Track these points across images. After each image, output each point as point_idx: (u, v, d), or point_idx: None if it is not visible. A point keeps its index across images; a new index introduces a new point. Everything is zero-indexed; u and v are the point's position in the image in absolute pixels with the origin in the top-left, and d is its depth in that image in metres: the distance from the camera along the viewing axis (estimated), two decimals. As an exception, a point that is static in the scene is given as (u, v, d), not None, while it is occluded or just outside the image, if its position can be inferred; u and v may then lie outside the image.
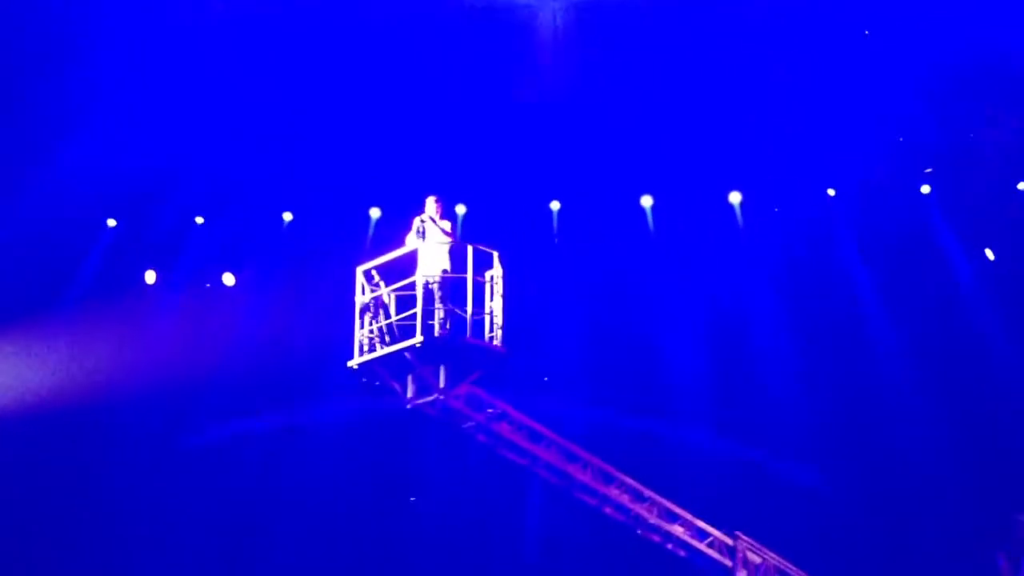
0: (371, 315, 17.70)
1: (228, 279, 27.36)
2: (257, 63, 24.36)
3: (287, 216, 26.97)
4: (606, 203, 25.78)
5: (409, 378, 17.72)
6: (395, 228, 26.09)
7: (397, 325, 17.49)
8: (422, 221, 17.94)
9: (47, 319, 26.05)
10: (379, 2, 23.35)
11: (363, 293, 17.79)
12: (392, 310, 17.62)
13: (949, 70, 23.47)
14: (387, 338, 17.57)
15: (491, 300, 17.47)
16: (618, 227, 25.88)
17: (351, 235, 26.73)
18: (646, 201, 25.98)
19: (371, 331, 17.67)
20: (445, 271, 17.62)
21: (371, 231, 26.81)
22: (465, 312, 17.19)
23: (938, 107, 23.95)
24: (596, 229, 25.91)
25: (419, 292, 17.36)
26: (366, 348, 17.62)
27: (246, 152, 25.64)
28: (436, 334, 17.18)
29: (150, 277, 27.20)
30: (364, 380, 17.87)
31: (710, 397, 25.62)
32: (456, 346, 17.27)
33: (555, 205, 26.36)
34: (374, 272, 17.87)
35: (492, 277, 17.59)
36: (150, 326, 26.88)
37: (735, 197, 25.64)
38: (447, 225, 18.05)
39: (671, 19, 23.68)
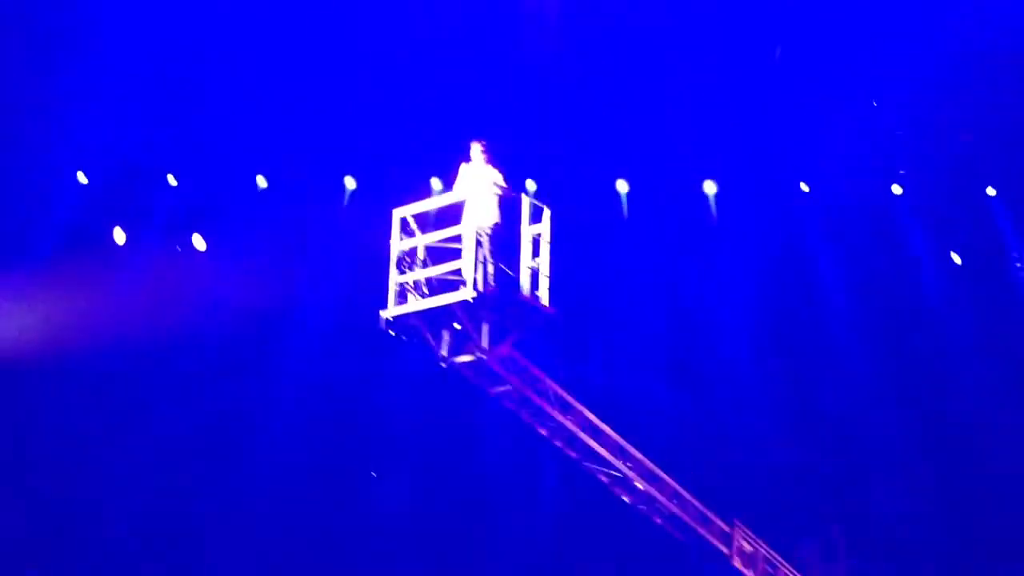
0: (407, 264, 16.59)
1: (198, 242, 27.27)
2: (235, 23, 24.20)
3: (261, 181, 26.86)
4: (583, 188, 25.88)
5: (445, 334, 16.59)
6: (369, 198, 26.71)
7: (435, 278, 16.45)
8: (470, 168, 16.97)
9: (14, 273, 25.83)
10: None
11: (399, 240, 16.66)
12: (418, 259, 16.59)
13: (926, 73, 23.88)
14: (425, 290, 16.48)
15: (537, 257, 16.49)
16: (594, 212, 25.99)
17: (325, 203, 26.80)
18: (622, 186, 26.23)
19: (407, 281, 16.54)
20: (496, 223, 16.54)
21: (346, 200, 26.80)
22: (512, 268, 16.31)
23: (914, 109, 24.35)
24: (572, 213, 25.94)
25: (470, 243, 16.19)
26: (394, 300, 16.52)
27: (224, 114, 25.50)
28: (487, 288, 16.08)
29: (119, 236, 27.03)
30: (393, 333, 16.65)
31: (671, 373, 25.86)
32: (508, 303, 16.27)
33: (531, 185, 26.47)
34: (410, 219, 16.84)
35: (540, 233, 16.62)
36: (118, 285, 26.74)
37: (710, 187, 25.91)
38: (499, 175, 16.96)
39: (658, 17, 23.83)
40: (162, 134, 25.92)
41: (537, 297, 16.42)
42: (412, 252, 16.67)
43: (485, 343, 16.33)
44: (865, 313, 25.58)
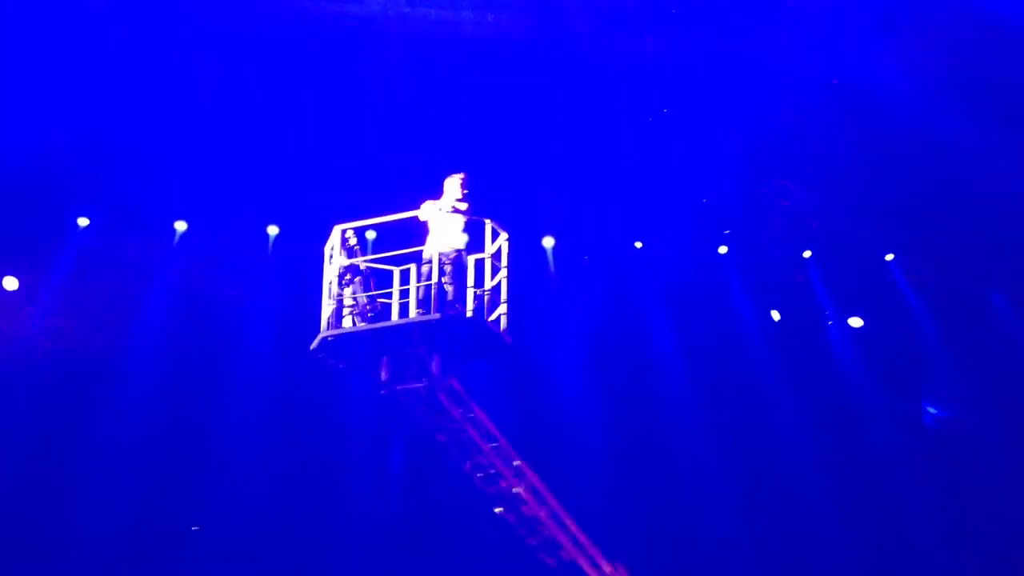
0: (348, 285, 16.16)
1: (10, 283, 25.96)
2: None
3: (83, 221, 25.87)
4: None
5: (384, 360, 16.24)
6: (202, 240, 26.11)
7: (376, 302, 16.20)
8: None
9: None
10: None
11: (341, 257, 16.30)
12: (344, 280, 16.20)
13: (751, 144, 25.52)
14: (369, 313, 16.09)
15: (488, 284, 16.62)
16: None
17: (153, 246, 26.05)
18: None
19: (349, 304, 16.07)
20: (459, 249, 16.62)
21: (176, 241, 26.12)
22: (470, 293, 16.29)
23: (739, 176, 25.93)
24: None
25: (434, 266, 16.18)
26: (330, 322, 16.06)
27: (49, 147, 24.48)
28: (450, 312, 15.90)
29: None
30: (323, 356, 16.21)
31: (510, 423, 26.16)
32: (472, 329, 16.16)
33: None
34: (351, 236, 16.42)
35: (499, 258, 16.71)
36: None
37: (548, 241, 26.70)
38: (464, 204, 17.07)
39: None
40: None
41: (497, 325, 16.41)
42: (355, 271, 16.30)
43: (437, 371, 16.14)
44: (691, 366, 26.79)
